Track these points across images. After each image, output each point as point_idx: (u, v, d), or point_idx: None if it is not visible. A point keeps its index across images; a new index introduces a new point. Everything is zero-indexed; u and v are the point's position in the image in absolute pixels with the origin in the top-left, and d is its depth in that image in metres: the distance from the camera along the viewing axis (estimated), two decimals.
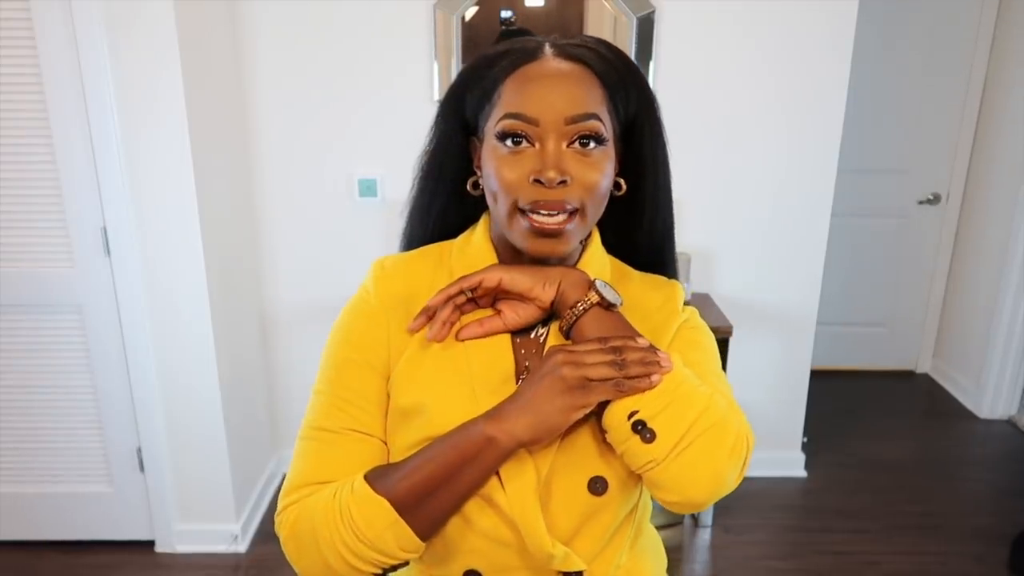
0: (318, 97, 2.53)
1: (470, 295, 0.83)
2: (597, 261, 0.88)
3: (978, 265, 3.50)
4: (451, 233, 0.92)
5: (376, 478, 0.77)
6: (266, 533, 2.57)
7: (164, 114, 2.07)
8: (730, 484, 0.76)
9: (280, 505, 0.84)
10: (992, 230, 3.39)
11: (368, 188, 2.58)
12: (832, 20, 2.46)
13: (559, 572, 0.81)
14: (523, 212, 0.78)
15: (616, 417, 0.74)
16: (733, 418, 0.76)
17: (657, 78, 2.51)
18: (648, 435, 0.72)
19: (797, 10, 2.46)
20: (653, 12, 2.44)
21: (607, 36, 2.47)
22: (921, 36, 3.38)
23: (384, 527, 0.75)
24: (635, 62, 0.84)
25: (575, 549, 0.81)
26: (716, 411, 0.74)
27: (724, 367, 2.46)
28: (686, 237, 2.68)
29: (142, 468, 2.39)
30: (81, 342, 2.26)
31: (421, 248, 0.92)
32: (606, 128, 0.79)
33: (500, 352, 0.83)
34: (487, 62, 0.81)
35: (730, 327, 2.41)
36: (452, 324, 0.83)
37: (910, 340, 3.85)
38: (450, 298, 0.82)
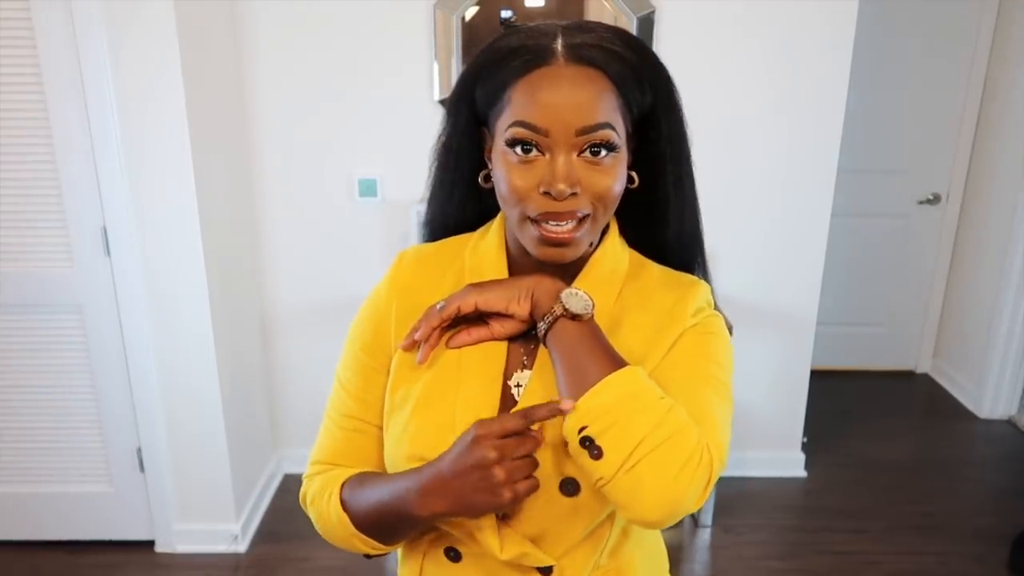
0: (318, 97, 2.53)
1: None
2: (612, 253, 0.86)
3: (978, 265, 3.50)
4: (471, 222, 0.92)
5: (349, 494, 0.84)
6: (266, 533, 2.57)
7: (164, 114, 2.07)
8: (688, 502, 0.70)
9: (305, 474, 0.93)
10: (992, 230, 3.39)
11: (368, 188, 2.58)
12: (832, 20, 2.46)
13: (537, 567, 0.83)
14: (533, 220, 0.78)
15: (568, 431, 0.72)
16: (692, 432, 0.71)
17: None
18: (596, 452, 0.70)
19: (797, 10, 2.45)
20: (653, 12, 2.44)
21: None
22: (921, 36, 3.37)
23: (349, 535, 0.84)
24: (652, 51, 0.81)
25: (545, 546, 0.82)
26: (670, 426, 0.70)
27: None
28: None
29: (142, 468, 2.38)
30: (81, 342, 2.26)
31: (444, 240, 0.93)
32: (618, 133, 0.78)
33: (492, 352, 0.83)
34: (498, 57, 0.79)
35: (730, 327, 2.41)
36: (442, 335, 0.85)
37: (910, 340, 3.85)
38: (433, 329, 0.82)
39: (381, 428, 0.87)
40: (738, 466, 2.90)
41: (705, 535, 2.60)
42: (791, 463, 2.95)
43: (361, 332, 0.90)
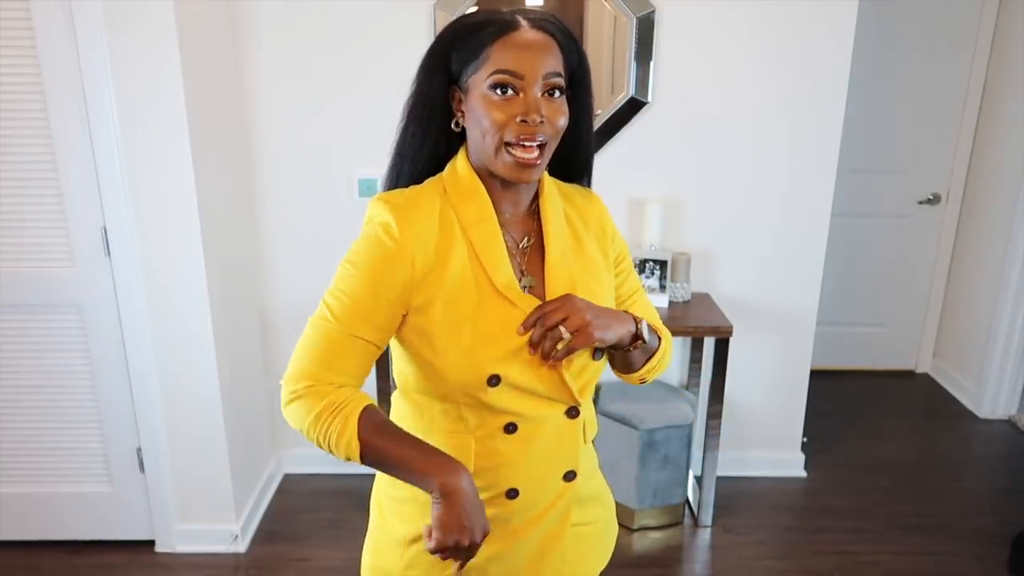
0: (318, 97, 2.53)
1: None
2: (550, 185, 1.14)
3: (978, 265, 3.50)
4: (438, 166, 1.11)
5: (368, 436, 0.99)
6: (266, 533, 2.57)
7: (164, 114, 2.07)
8: None
9: (286, 392, 1.06)
10: (992, 230, 3.39)
11: (368, 188, 2.58)
12: (832, 20, 2.46)
13: (566, 410, 1.10)
14: (508, 147, 1.01)
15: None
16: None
17: (657, 78, 2.51)
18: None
19: (797, 10, 2.46)
20: (653, 12, 2.44)
21: (607, 36, 2.48)
22: (921, 36, 3.38)
23: (343, 457, 1.02)
24: (573, 33, 1.08)
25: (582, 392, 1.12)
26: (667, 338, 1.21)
27: (724, 367, 2.47)
28: (686, 237, 2.68)
29: (142, 468, 2.39)
30: (81, 342, 2.26)
31: (419, 186, 1.09)
32: (564, 81, 1.04)
33: (509, 276, 1.06)
34: (471, 28, 1.02)
35: (730, 327, 2.41)
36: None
37: (910, 340, 3.85)
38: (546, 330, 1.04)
39: (377, 345, 1.05)
40: (738, 466, 2.90)
41: (705, 535, 2.60)
42: (791, 463, 2.95)
43: (387, 271, 1.03)
